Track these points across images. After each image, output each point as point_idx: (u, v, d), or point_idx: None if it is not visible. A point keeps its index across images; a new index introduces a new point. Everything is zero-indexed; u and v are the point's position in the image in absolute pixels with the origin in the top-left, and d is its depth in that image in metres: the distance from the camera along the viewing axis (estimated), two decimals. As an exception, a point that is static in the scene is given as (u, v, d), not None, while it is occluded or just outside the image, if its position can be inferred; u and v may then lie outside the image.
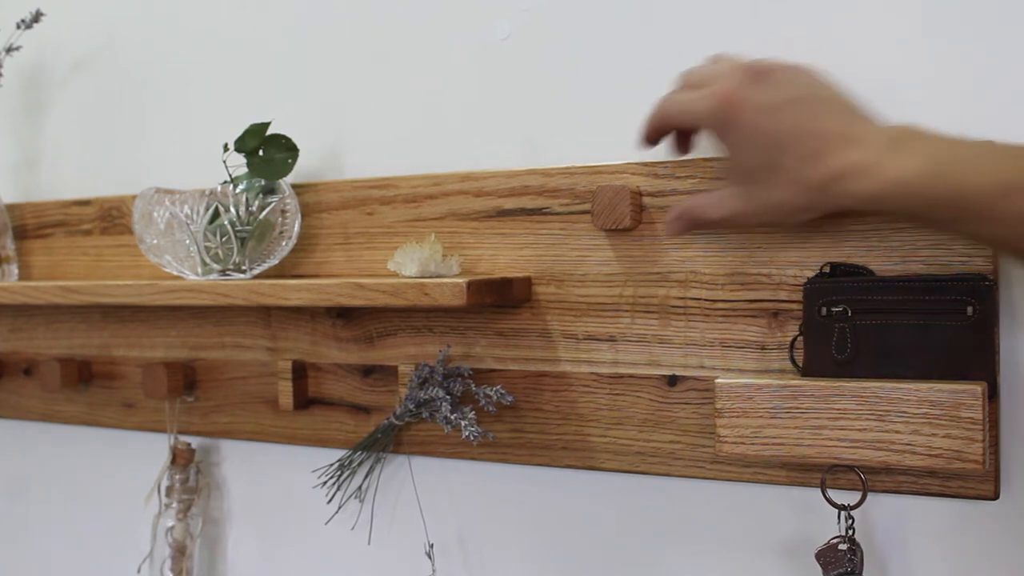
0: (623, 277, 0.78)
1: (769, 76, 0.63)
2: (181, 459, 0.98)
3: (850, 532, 0.68)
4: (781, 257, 0.72)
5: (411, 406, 0.84)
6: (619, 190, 0.74)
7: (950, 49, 0.68)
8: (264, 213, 0.86)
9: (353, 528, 0.92)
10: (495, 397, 0.81)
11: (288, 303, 0.79)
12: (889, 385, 0.63)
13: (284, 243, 0.88)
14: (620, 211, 0.75)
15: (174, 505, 0.98)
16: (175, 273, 0.89)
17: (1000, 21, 0.67)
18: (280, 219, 0.87)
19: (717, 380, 0.68)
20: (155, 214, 0.87)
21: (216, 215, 0.85)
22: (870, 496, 0.69)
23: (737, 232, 0.74)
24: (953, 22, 0.68)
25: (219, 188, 0.87)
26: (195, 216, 0.86)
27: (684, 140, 0.71)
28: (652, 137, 0.70)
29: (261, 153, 0.88)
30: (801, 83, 0.64)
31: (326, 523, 0.93)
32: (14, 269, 1.09)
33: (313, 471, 0.93)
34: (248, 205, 0.86)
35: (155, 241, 0.88)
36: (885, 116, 0.63)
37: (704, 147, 0.72)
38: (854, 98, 0.66)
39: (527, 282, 0.81)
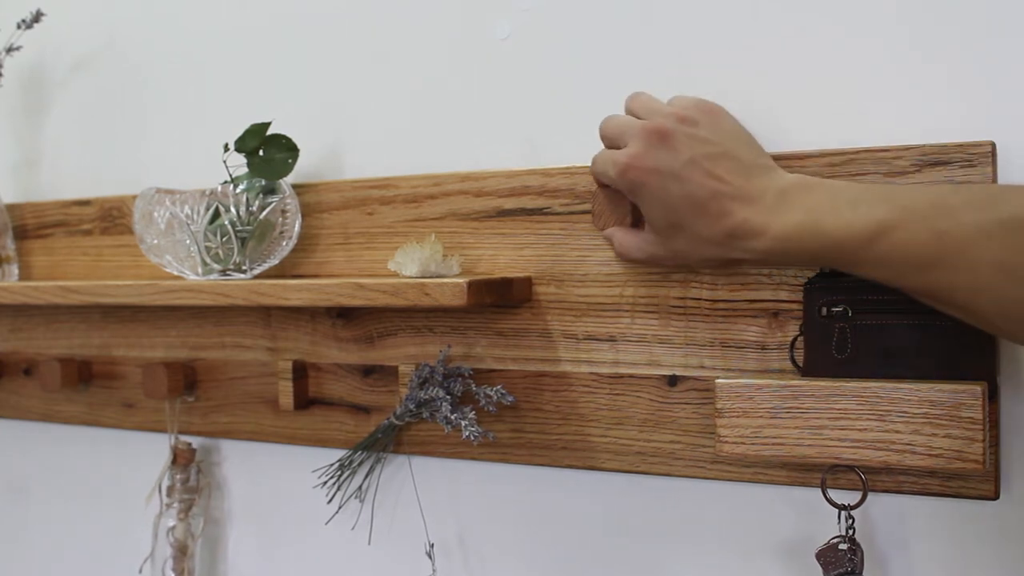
0: (623, 277, 0.78)
1: (670, 138, 0.66)
2: (182, 459, 0.98)
3: (850, 532, 0.68)
4: (781, 257, 0.72)
5: (411, 406, 0.84)
6: (619, 190, 0.74)
7: (944, 50, 0.68)
8: (264, 213, 0.86)
9: (353, 528, 0.92)
10: (495, 397, 0.81)
11: (288, 303, 0.79)
12: (890, 385, 0.63)
13: (284, 243, 0.88)
14: (620, 211, 0.75)
15: (175, 505, 0.98)
16: (175, 273, 0.89)
17: (999, 21, 0.67)
18: (280, 219, 0.87)
19: (717, 380, 0.68)
20: (155, 214, 0.87)
21: (216, 215, 0.85)
22: (870, 496, 0.69)
23: None
24: (945, 23, 0.68)
25: (219, 188, 0.87)
26: (195, 216, 0.86)
27: None
28: (600, 184, 0.75)
29: (261, 153, 0.88)
30: (702, 137, 0.66)
31: (326, 523, 0.93)
32: (14, 269, 1.09)
33: (313, 471, 0.93)
34: (248, 205, 0.86)
35: (155, 241, 0.88)
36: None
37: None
38: (754, 143, 0.68)
39: (527, 282, 0.81)
